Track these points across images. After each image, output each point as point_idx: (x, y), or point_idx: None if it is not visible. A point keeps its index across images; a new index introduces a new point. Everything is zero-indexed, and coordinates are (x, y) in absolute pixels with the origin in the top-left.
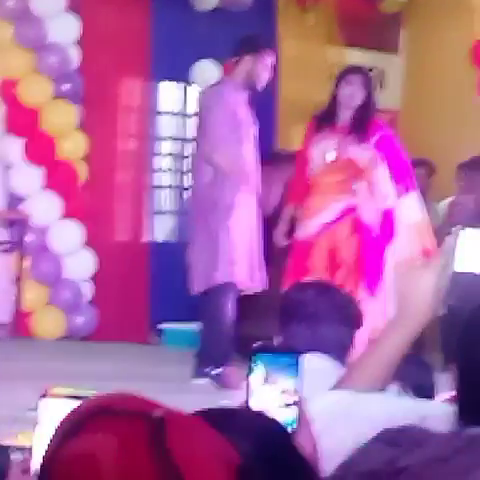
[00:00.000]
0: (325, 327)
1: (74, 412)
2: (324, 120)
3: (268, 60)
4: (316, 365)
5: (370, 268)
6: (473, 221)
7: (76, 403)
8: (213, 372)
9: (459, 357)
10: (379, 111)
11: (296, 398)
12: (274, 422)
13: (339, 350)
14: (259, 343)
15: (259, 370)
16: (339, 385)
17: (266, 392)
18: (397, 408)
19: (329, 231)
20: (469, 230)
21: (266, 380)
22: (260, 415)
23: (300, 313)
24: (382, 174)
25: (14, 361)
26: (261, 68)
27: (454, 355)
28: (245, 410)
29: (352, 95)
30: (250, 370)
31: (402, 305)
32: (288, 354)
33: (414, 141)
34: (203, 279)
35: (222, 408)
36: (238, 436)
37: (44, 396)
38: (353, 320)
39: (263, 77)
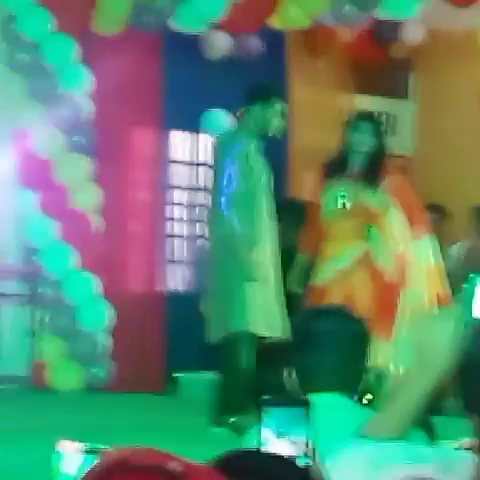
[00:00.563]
0: (337, 355)
1: (93, 470)
2: (335, 166)
3: (278, 107)
4: (328, 404)
5: (384, 313)
6: None
7: (92, 457)
8: (230, 421)
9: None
10: (391, 156)
11: (307, 450)
12: (290, 463)
13: (351, 380)
14: (268, 396)
15: (269, 422)
16: (362, 434)
17: (276, 444)
18: (419, 456)
19: (344, 277)
20: None
21: (276, 432)
22: (278, 458)
23: (309, 341)
24: (395, 219)
25: (32, 414)
26: (272, 116)
27: (475, 402)
28: (263, 454)
29: (361, 142)
30: (261, 422)
31: (421, 355)
32: (297, 405)
33: (426, 185)
34: (219, 328)
35: (241, 452)
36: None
37: (60, 450)
38: (363, 344)
39: (274, 124)
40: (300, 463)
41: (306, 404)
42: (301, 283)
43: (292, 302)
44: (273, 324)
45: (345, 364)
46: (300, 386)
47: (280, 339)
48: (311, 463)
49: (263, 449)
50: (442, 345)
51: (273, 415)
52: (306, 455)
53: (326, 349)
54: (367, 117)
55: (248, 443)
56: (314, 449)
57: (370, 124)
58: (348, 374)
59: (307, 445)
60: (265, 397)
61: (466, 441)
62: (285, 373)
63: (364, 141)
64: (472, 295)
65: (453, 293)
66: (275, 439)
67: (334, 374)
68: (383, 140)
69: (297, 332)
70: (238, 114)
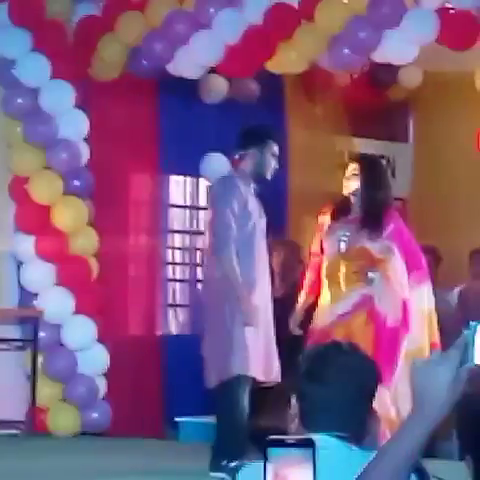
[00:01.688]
0: (342, 389)
1: None
2: (338, 210)
3: (274, 149)
4: (329, 447)
5: (385, 359)
6: None
7: None
8: (229, 466)
9: (474, 447)
10: (392, 199)
11: None
12: None
13: (354, 420)
14: (272, 437)
15: (272, 464)
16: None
17: None
18: None
19: (345, 321)
20: None
21: (278, 475)
22: None
23: (316, 375)
24: (397, 264)
25: (30, 458)
26: (267, 158)
27: (470, 445)
28: None
29: (348, 184)
30: (264, 465)
31: (418, 401)
32: (301, 446)
33: (422, 229)
34: (218, 372)
35: None
36: None
37: None
38: (370, 383)
39: (270, 166)
40: None
41: (312, 445)
42: (302, 326)
43: (292, 345)
44: (271, 368)
45: (351, 401)
46: (303, 426)
47: (275, 383)
48: None
49: None
50: (439, 391)
51: (276, 455)
52: None
53: (332, 384)
54: (355, 158)
55: None
56: None
57: (356, 165)
58: (353, 412)
59: None
60: (271, 437)
61: None
62: (289, 411)
63: (349, 183)
64: (472, 341)
65: (446, 338)
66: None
67: (339, 412)
68: (386, 184)
69: (303, 369)
70: (234, 158)
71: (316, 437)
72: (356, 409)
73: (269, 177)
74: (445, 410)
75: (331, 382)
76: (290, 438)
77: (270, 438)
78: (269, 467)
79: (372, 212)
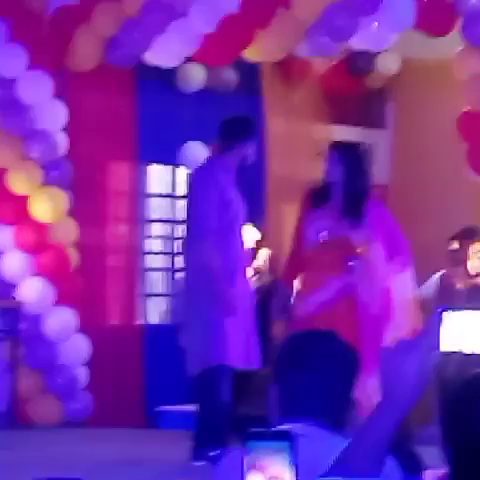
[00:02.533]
0: (322, 376)
1: None
2: (318, 197)
3: (254, 140)
4: (309, 435)
5: (368, 347)
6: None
7: None
8: (210, 454)
9: (449, 433)
10: (371, 187)
11: None
12: None
13: (336, 406)
14: (251, 429)
15: (251, 457)
16: (332, 468)
17: (256, 478)
18: None
19: (327, 309)
20: (451, 313)
21: (256, 466)
22: None
23: (297, 361)
24: (377, 252)
25: (11, 449)
26: (252, 151)
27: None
28: None
29: (328, 171)
30: (243, 456)
31: (387, 388)
32: (280, 439)
33: (403, 215)
34: (197, 361)
35: None
36: None
37: None
38: (351, 370)
39: (250, 157)
40: None
41: (290, 437)
42: (284, 312)
43: (273, 331)
44: (251, 356)
45: (331, 388)
46: (282, 412)
47: (255, 370)
48: None
49: None
50: (406, 378)
51: (255, 447)
52: None
53: (313, 370)
54: (334, 146)
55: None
56: None
57: (336, 153)
58: (333, 400)
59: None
60: (248, 430)
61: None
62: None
63: (330, 171)
64: (438, 329)
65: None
66: (254, 473)
67: (319, 398)
68: (365, 171)
69: (284, 355)
70: (217, 146)
71: (296, 425)
72: (336, 396)
73: (247, 166)
74: (414, 397)
75: (311, 369)
76: (268, 431)
77: (249, 431)
78: (248, 459)
79: (353, 200)
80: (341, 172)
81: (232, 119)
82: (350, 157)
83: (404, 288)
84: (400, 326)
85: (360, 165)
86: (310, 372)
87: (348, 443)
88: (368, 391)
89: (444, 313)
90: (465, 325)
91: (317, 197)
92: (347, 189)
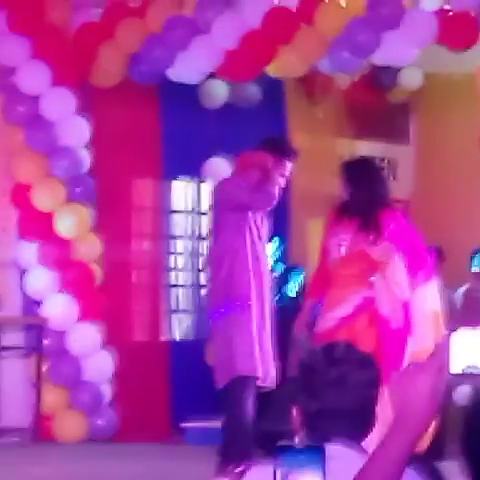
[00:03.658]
0: (346, 391)
1: None
2: (340, 212)
3: (289, 166)
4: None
5: (389, 361)
6: None
7: None
8: (235, 470)
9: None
10: (393, 201)
11: None
12: None
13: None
14: (281, 443)
15: (281, 469)
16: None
17: None
18: None
19: (347, 324)
20: (460, 331)
21: (287, 477)
22: None
23: (319, 377)
24: (397, 266)
25: (36, 466)
26: (279, 174)
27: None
28: None
29: (343, 187)
30: (274, 470)
31: (400, 411)
32: (310, 452)
33: (426, 229)
34: (224, 373)
35: None
36: None
37: None
38: (373, 382)
39: (278, 182)
40: None
41: (321, 450)
42: (308, 329)
43: (297, 348)
44: (268, 373)
45: (355, 402)
46: (307, 430)
47: (277, 387)
48: None
49: None
50: (420, 400)
51: (285, 460)
52: None
53: (334, 385)
54: (346, 163)
55: None
56: None
57: (345, 169)
58: (358, 413)
59: None
60: (280, 443)
61: None
62: (293, 415)
63: (342, 187)
64: (448, 349)
65: None
66: None
67: (343, 413)
68: (382, 186)
69: (305, 371)
70: (241, 159)
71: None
72: (360, 412)
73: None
74: (427, 419)
75: (332, 386)
76: (299, 444)
77: (280, 444)
78: (279, 472)
79: (368, 215)
80: (355, 187)
81: (261, 139)
82: (361, 173)
83: (427, 301)
84: (422, 340)
85: (374, 180)
86: (331, 390)
87: (363, 465)
88: (388, 406)
89: (453, 334)
90: (474, 343)
91: (339, 212)
92: (362, 204)
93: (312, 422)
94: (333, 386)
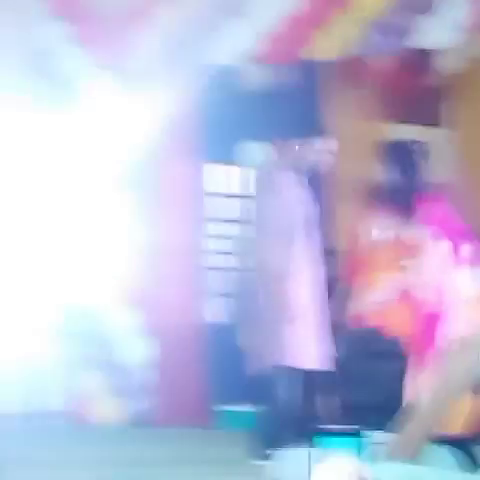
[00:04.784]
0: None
1: None
2: (374, 197)
3: (326, 145)
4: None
5: (422, 345)
6: None
7: None
8: (270, 453)
9: None
10: (429, 185)
11: (355, 478)
12: None
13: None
14: (320, 426)
15: (320, 451)
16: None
17: (326, 473)
18: None
19: (381, 308)
20: None
21: (326, 461)
22: None
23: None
24: (433, 250)
25: (73, 449)
26: (311, 152)
27: None
28: None
29: (380, 171)
30: (311, 451)
31: (443, 380)
32: (349, 436)
33: (465, 213)
34: (259, 361)
35: None
36: None
37: None
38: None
39: (316, 162)
40: None
41: (359, 434)
42: (344, 313)
43: (335, 332)
44: (312, 357)
45: (381, 385)
46: (342, 414)
47: (320, 371)
48: None
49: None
50: (463, 373)
51: (324, 443)
52: None
53: (358, 371)
54: (386, 145)
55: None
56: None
57: (387, 152)
58: (386, 404)
59: (358, 474)
60: (319, 426)
61: None
62: (326, 403)
63: (383, 170)
64: None
65: None
66: (324, 468)
67: (372, 403)
68: (416, 170)
69: (341, 357)
70: (277, 146)
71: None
72: (388, 402)
73: (309, 170)
74: (464, 392)
75: (365, 371)
76: (337, 428)
77: (318, 427)
78: (315, 455)
79: (401, 197)
80: (390, 171)
81: (292, 119)
82: (398, 156)
83: (467, 286)
84: (459, 324)
85: (409, 163)
86: (362, 371)
87: (397, 432)
88: (418, 388)
89: None
90: None
91: (373, 197)
92: (397, 188)
93: (342, 411)
94: (360, 379)
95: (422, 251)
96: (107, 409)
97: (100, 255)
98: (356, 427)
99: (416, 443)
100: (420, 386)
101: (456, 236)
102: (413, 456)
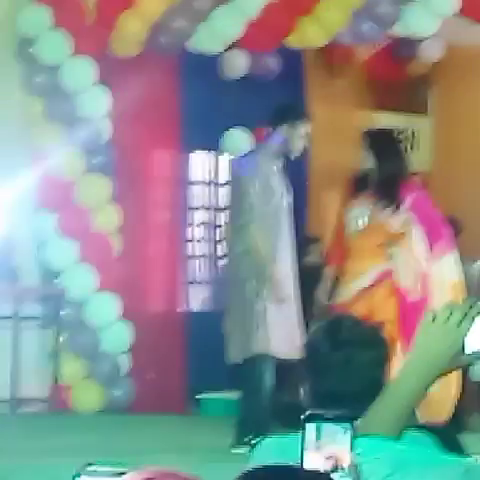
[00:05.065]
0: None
1: None
2: (357, 185)
3: (303, 130)
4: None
5: (407, 332)
6: None
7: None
8: (253, 441)
9: None
10: (412, 173)
11: (345, 464)
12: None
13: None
14: (310, 411)
15: (309, 437)
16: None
17: (315, 458)
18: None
19: (366, 296)
20: None
21: (315, 446)
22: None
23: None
24: (416, 237)
25: (53, 436)
26: (296, 138)
27: None
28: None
29: (362, 158)
30: (302, 436)
31: (419, 355)
32: (338, 421)
33: (445, 201)
34: (240, 350)
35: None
36: None
37: (81, 473)
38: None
39: (298, 147)
40: (338, 478)
41: (350, 419)
42: (328, 300)
43: (317, 319)
44: (294, 345)
45: (363, 375)
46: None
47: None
48: (351, 478)
49: (296, 464)
50: (438, 349)
51: (315, 430)
52: (348, 470)
53: (340, 365)
54: (366, 133)
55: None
56: (356, 465)
57: (367, 140)
58: (366, 387)
59: (348, 460)
60: (308, 411)
61: None
62: (302, 391)
63: (363, 158)
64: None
65: None
66: (315, 453)
67: (350, 393)
68: (400, 157)
69: (314, 342)
70: (260, 133)
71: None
72: (368, 383)
73: (294, 156)
74: (442, 369)
75: (341, 357)
76: (328, 413)
77: (308, 412)
78: (307, 439)
79: (386, 186)
80: (374, 159)
81: (279, 106)
82: (382, 143)
83: (445, 273)
84: None
85: (393, 151)
86: (341, 359)
87: (373, 405)
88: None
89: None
90: None
91: (357, 184)
92: (381, 175)
93: (319, 402)
94: (339, 366)
95: (405, 238)
96: (86, 395)
97: (79, 241)
98: (346, 413)
99: (391, 418)
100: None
101: (437, 223)
102: (390, 432)
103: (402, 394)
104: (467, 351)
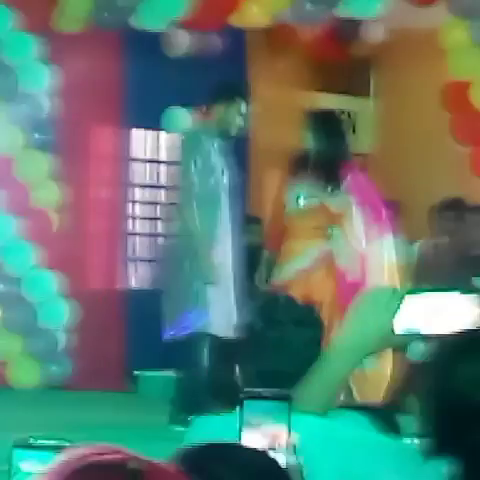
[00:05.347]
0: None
1: (52, 467)
2: (298, 165)
3: (242, 108)
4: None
5: (345, 311)
6: (448, 263)
7: (51, 454)
8: (189, 419)
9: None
10: (352, 154)
11: (282, 442)
12: (263, 454)
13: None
14: (247, 389)
15: (247, 416)
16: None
17: (253, 437)
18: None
19: (305, 276)
20: (412, 295)
21: (252, 425)
22: (248, 449)
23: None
24: (355, 218)
25: None
26: (235, 115)
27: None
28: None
29: (304, 139)
30: (240, 415)
31: (346, 333)
32: (276, 400)
33: (385, 184)
34: (177, 328)
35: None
36: (226, 470)
37: (17, 447)
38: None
39: (237, 124)
40: (275, 456)
41: (288, 398)
42: (268, 280)
43: (255, 299)
44: (232, 324)
45: (297, 354)
46: (251, 379)
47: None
48: (289, 456)
49: (234, 442)
50: (370, 330)
51: (253, 408)
52: (285, 448)
53: (270, 339)
54: (309, 114)
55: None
56: (294, 444)
57: (312, 121)
58: (301, 366)
59: (285, 439)
60: (246, 389)
61: None
62: (238, 370)
63: (307, 138)
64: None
65: None
66: (253, 432)
67: (284, 374)
68: (342, 139)
69: (244, 326)
70: (202, 112)
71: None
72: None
73: (233, 134)
74: (374, 348)
75: (276, 335)
76: (266, 391)
77: (246, 390)
78: (245, 418)
79: (327, 166)
80: (316, 140)
81: (218, 84)
82: (324, 125)
83: (383, 254)
84: None
85: (335, 132)
86: (275, 338)
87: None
88: None
89: (407, 296)
90: (425, 307)
91: (297, 164)
92: (322, 156)
93: (255, 381)
94: (273, 345)
95: (344, 219)
96: (23, 371)
97: (19, 217)
98: (285, 391)
99: (319, 395)
100: None
101: (376, 205)
102: (318, 409)
103: (330, 371)
104: (397, 332)
